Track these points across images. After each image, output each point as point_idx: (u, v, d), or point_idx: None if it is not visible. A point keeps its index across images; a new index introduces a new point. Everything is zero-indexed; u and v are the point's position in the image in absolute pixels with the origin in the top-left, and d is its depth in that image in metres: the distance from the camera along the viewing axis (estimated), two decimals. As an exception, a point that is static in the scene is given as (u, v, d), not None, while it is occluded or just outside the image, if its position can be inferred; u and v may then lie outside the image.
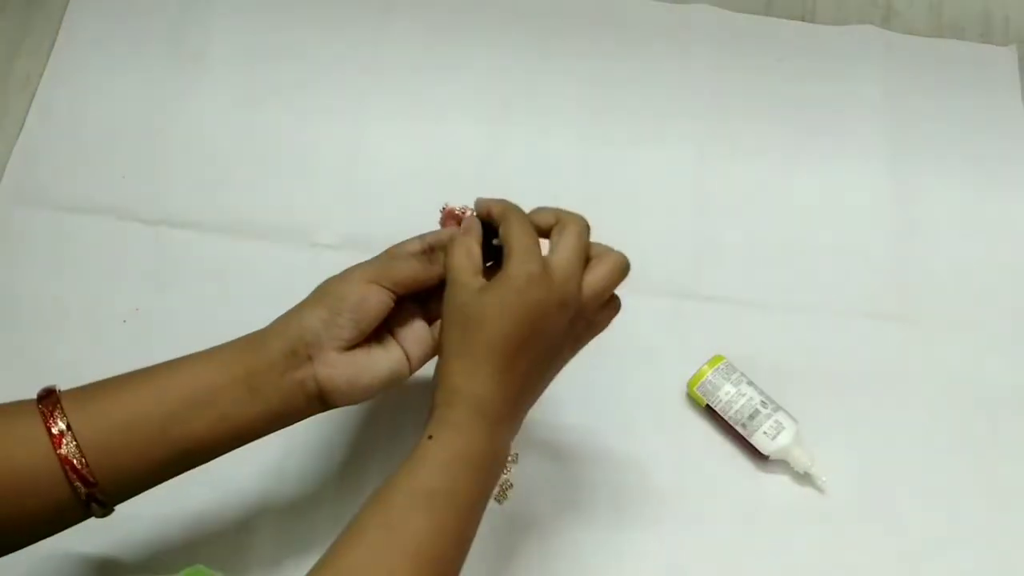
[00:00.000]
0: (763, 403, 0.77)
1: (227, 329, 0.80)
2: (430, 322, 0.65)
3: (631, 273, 0.84)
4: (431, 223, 0.87)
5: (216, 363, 0.58)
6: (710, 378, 0.78)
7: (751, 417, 0.76)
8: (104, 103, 0.91)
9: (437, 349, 0.62)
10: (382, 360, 0.61)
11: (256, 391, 0.58)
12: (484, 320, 0.57)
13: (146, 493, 0.65)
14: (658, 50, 0.96)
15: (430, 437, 0.57)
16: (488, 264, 0.62)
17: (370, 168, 0.89)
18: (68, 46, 0.93)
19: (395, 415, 0.78)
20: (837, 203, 0.90)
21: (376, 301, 0.60)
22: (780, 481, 0.78)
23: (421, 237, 0.63)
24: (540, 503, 0.76)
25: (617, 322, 0.82)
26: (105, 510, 0.56)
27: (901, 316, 0.85)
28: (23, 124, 0.89)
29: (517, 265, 0.57)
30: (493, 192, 0.88)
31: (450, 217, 0.65)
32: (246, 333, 0.61)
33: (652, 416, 0.80)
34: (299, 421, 0.61)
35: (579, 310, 0.59)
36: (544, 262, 0.58)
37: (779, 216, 0.89)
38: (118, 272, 0.84)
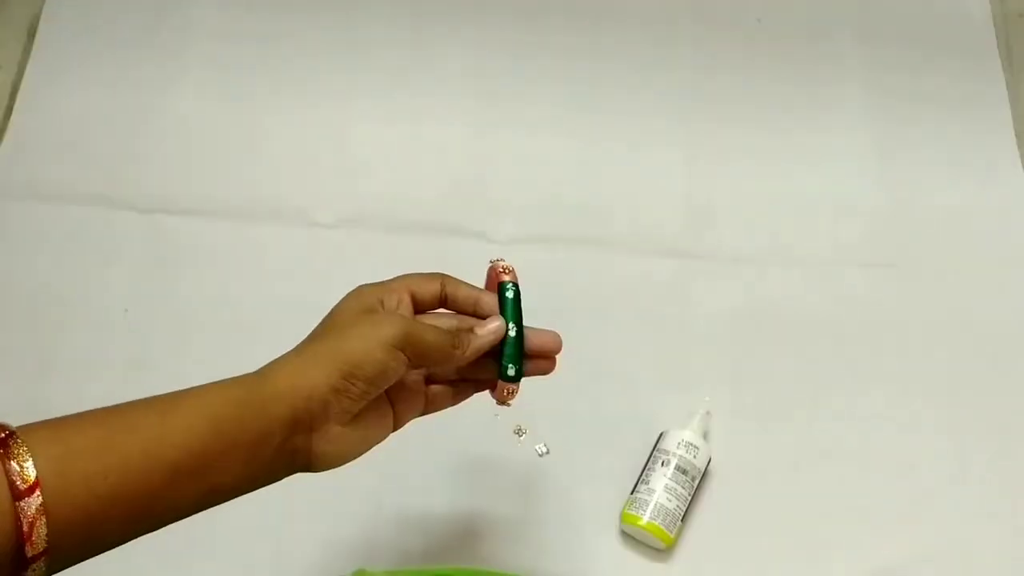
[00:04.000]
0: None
1: (229, 313, 0.81)
2: (427, 380, 0.59)
3: (632, 235, 0.86)
4: (424, 200, 0.88)
5: (212, 425, 0.49)
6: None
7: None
8: (90, 93, 0.90)
9: (424, 411, 0.59)
10: (377, 431, 0.56)
11: (250, 461, 0.50)
12: None
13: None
14: (642, 17, 0.96)
15: None
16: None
17: (361, 148, 0.89)
18: (51, 36, 0.92)
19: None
20: (826, 156, 0.91)
21: (396, 372, 0.53)
22: (788, 444, 0.79)
23: (442, 279, 0.58)
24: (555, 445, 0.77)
25: (620, 286, 0.84)
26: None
27: (895, 264, 0.86)
28: (10, 117, 0.89)
29: None
30: (482, 164, 0.89)
31: (493, 271, 0.60)
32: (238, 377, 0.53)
33: (658, 378, 0.81)
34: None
35: None
36: None
37: (769, 173, 0.90)
38: (117, 261, 0.83)
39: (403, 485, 0.75)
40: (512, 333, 0.57)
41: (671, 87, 0.93)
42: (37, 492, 0.43)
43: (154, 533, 0.49)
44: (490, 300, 0.58)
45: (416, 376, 0.58)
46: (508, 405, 0.60)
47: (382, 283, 0.56)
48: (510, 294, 0.58)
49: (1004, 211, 0.89)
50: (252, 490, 0.52)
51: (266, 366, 0.52)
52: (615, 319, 0.83)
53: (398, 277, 0.57)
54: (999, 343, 0.83)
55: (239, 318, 0.81)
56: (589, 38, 0.95)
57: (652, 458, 0.74)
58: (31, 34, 0.93)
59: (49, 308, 0.81)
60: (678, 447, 0.74)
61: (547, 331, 0.59)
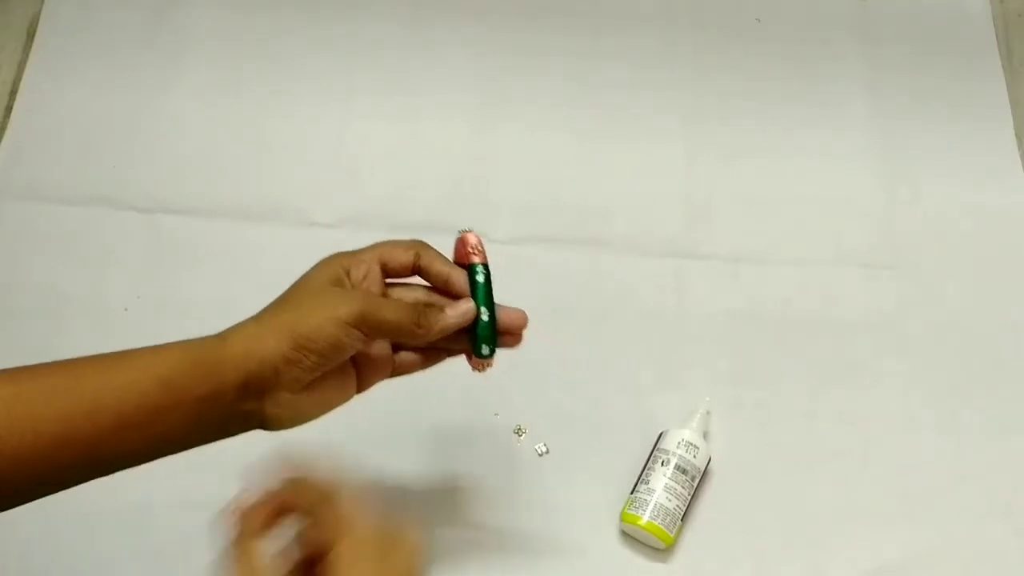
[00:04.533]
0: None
1: (229, 312, 0.81)
2: (396, 346, 0.60)
3: (632, 235, 0.86)
4: (424, 200, 0.88)
5: (161, 382, 0.52)
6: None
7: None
8: (90, 93, 0.90)
9: (392, 374, 0.60)
10: (334, 395, 0.57)
11: (199, 417, 0.53)
12: None
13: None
14: (641, 17, 0.96)
15: None
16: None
17: (361, 147, 0.89)
18: (51, 36, 0.92)
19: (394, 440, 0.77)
20: (826, 156, 0.91)
21: (351, 348, 0.54)
22: (788, 443, 0.79)
23: (416, 247, 0.59)
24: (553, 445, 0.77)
25: (620, 286, 0.84)
26: None
27: (895, 264, 0.86)
28: (9, 118, 0.89)
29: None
30: (480, 164, 0.89)
31: (463, 246, 0.60)
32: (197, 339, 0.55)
33: (658, 378, 0.81)
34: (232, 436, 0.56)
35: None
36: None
37: (769, 173, 0.90)
38: (116, 261, 0.83)
39: (401, 486, 0.75)
40: (484, 317, 0.58)
41: (671, 87, 0.93)
42: None
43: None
44: (460, 278, 0.58)
45: (382, 345, 0.59)
46: (482, 372, 0.61)
47: (353, 252, 0.57)
48: (480, 278, 0.58)
49: (1004, 211, 0.89)
50: (204, 443, 0.54)
51: (227, 329, 0.54)
52: (615, 319, 0.83)
53: (373, 245, 0.58)
54: (999, 343, 0.83)
55: (239, 318, 0.80)
56: (589, 38, 0.96)
57: (652, 458, 0.74)
58: (31, 34, 0.93)
59: (49, 308, 0.81)
60: (678, 447, 0.74)
61: (515, 309, 0.60)
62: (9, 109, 0.90)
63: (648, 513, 0.71)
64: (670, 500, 0.72)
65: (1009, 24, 0.98)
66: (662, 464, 0.73)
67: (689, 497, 0.73)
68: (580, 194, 0.88)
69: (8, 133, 0.89)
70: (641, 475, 0.74)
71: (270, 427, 0.55)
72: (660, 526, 0.71)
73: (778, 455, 0.78)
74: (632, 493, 0.73)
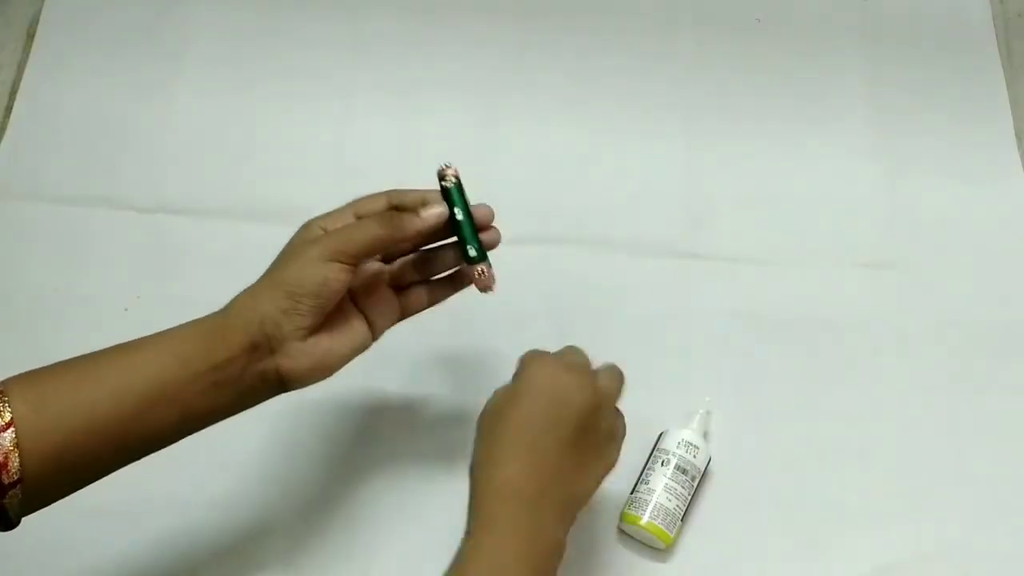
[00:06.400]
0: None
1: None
2: (396, 285, 0.64)
3: (632, 235, 0.86)
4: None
5: (177, 357, 0.56)
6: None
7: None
8: (90, 93, 0.90)
9: (400, 315, 0.64)
10: (346, 340, 0.60)
11: (218, 385, 0.56)
12: (505, 408, 0.59)
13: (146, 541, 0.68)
14: (642, 16, 0.96)
15: (468, 533, 0.57)
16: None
17: (361, 147, 0.90)
18: (51, 36, 0.92)
19: (396, 445, 0.77)
20: (826, 156, 0.91)
21: (336, 281, 0.58)
22: (788, 444, 0.79)
23: (388, 194, 0.62)
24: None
25: (620, 286, 0.84)
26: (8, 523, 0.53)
27: (895, 264, 0.86)
28: (9, 118, 0.89)
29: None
30: (481, 163, 0.88)
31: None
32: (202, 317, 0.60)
33: (658, 378, 0.81)
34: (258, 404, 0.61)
35: (602, 405, 0.62)
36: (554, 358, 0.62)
37: (769, 173, 0.90)
38: (116, 261, 0.84)
39: (400, 488, 0.75)
40: (459, 216, 0.62)
41: (671, 87, 0.93)
42: (11, 429, 0.51)
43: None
44: (436, 196, 0.63)
45: (384, 288, 0.63)
46: (492, 291, 0.64)
47: (328, 212, 0.61)
48: (448, 184, 0.62)
49: (1004, 211, 0.89)
50: (230, 413, 0.59)
51: (228, 303, 0.59)
52: (615, 319, 0.83)
53: (346, 203, 0.62)
54: (999, 343, 0.83)
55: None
56: (589, 38, 0.95)
57: (652, 458, 0.74)
58: (31, 34, 0.93)
59: (49, 308, 0.81)
60: (678, 447, 0.74)
61: (482, 205, 0.64)
62: (9, 109, 0.90)
63: (648, 513, 0.72)
64: (670, 500, 0.72)
65: (1009, 24, 0.98)
66: (662, 464, 0.73)
67: (689, 497, 0.73)
68: (580, 194, 0.88)
69: (8, 133, 0.89)
70: (641, 475, 0.74)
71: (291, 384, 0.59)
72: (660, 526, 0.71)
73: (778, 455, 0.78)
74: (632, 493, 0.73)
